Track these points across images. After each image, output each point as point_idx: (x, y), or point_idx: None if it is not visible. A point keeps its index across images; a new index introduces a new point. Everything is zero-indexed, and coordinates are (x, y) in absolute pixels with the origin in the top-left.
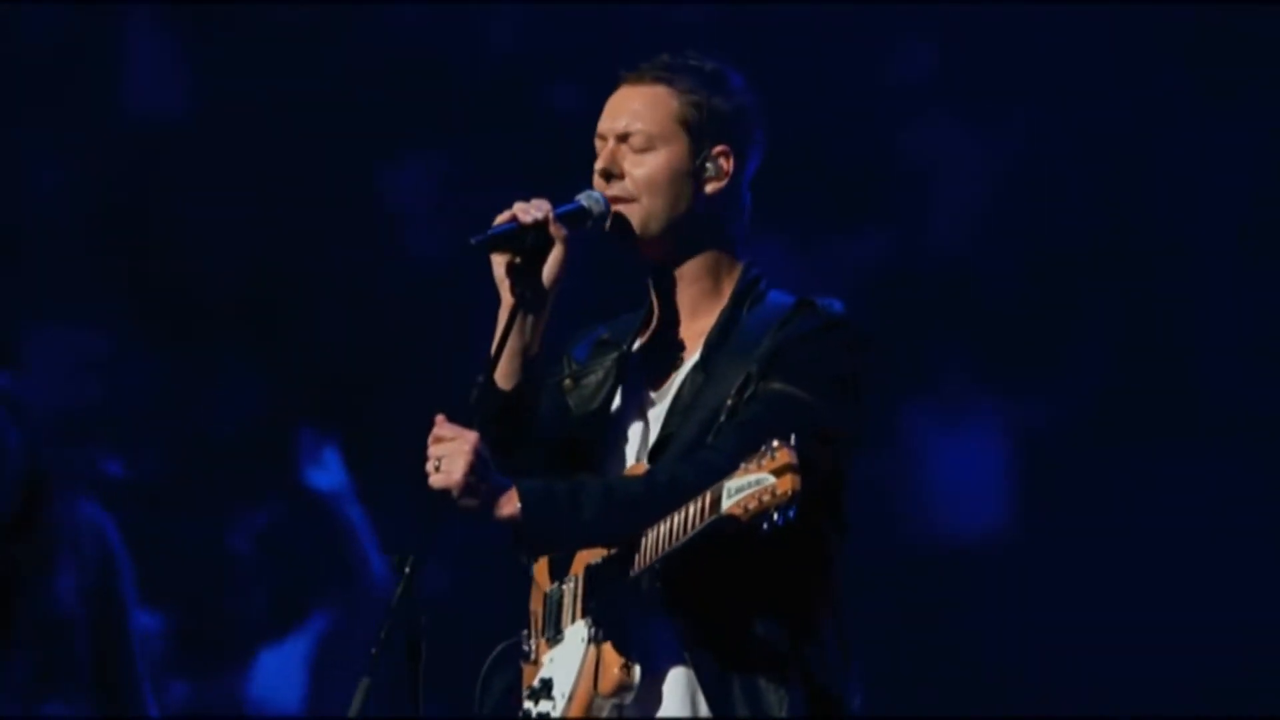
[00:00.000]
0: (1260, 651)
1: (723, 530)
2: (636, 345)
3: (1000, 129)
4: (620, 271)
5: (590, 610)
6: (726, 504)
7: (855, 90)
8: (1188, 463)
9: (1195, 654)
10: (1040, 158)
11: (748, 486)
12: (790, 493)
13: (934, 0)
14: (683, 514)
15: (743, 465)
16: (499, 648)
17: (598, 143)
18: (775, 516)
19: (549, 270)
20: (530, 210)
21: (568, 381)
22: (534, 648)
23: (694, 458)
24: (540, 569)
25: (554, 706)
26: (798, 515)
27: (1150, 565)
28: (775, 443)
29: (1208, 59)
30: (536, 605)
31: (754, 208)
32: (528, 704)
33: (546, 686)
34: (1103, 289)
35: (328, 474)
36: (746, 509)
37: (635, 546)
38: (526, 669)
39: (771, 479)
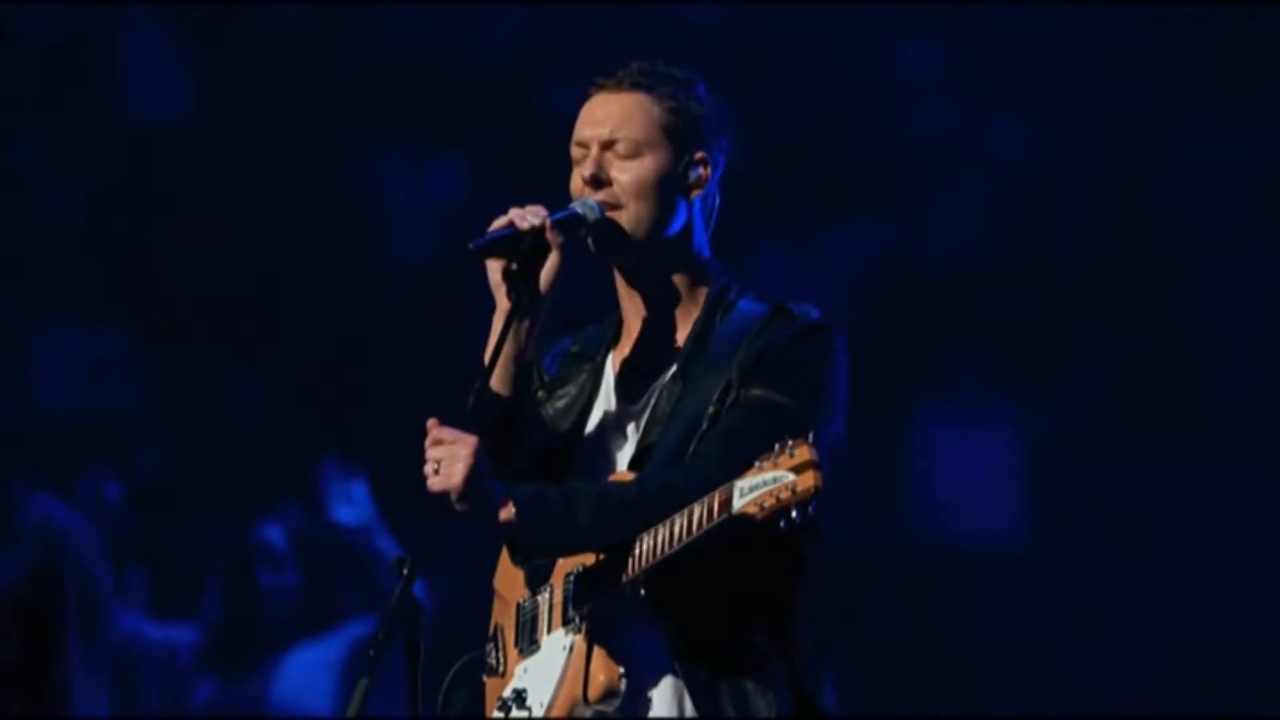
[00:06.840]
0: (1268, 654)
1: (731, 531)
2: (610, 356)
3: (1009, 128)
4: (596, 278)
5: (572, 619)
6: (739, 503)
7: (864, 88)
8: (1197, 466)
9: (1202, 655)
10: (1048, 158)
11: (763, 485)
12: (812, 489)
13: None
14: (687, 516)
15: (756, 464)
16: (459, 662)
17: (576, 150)
18: (794, 514)
19: (545, 276)
20: (527, 216)
21: (541, 393)
22: (502, 660)
23: (682, 464)
24: (505, 582)
25: (529, 715)
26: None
27: (1158, 567)
28: (791, 441)
29: (1212, 58)
30: (503, 618)
31: (758, 208)
32: (497, 714)
33: (520, 696)
34: (1114, 292)
35: (354, 508)
36: (762, 507)
37: (626, 552)
38: (491, 683)
39: (791, 476)
